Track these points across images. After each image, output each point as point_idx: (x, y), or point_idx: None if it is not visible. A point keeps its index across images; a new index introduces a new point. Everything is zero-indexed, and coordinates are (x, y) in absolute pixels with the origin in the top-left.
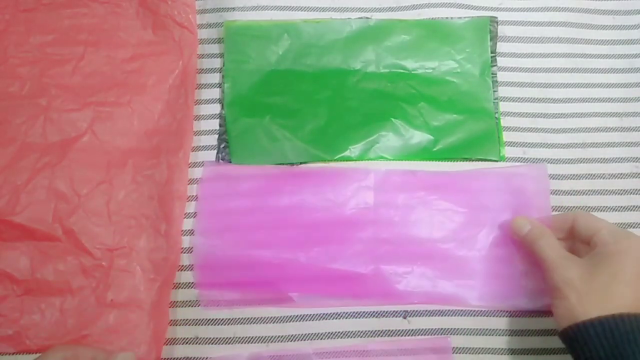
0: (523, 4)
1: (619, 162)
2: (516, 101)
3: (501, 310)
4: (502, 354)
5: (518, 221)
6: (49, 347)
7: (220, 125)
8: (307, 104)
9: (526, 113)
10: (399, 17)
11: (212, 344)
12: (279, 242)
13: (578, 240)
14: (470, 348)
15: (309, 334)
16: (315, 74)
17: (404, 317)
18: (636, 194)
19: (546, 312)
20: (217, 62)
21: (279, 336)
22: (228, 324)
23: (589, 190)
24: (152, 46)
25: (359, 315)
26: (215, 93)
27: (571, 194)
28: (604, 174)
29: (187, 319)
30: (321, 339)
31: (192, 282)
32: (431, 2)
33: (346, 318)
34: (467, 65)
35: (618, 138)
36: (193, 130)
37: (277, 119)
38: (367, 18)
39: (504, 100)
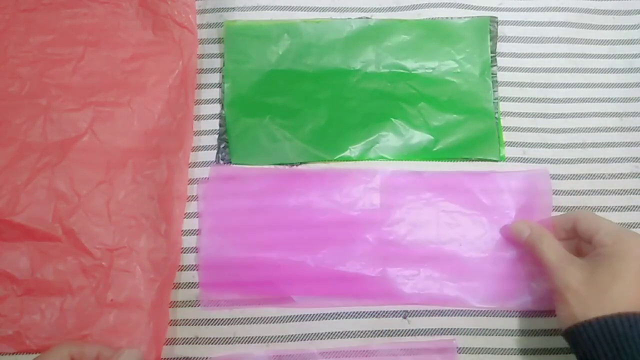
0: (523, 4)
1: (619, 162)
2: (516, 101)
3: (502, 310)
4: (502, 354)
5: (518, 226)
6: (49, 347)
7: (220, 125)
8: (307, 104)
9: (526, 113)
10: (399, 17)
11: (212, 344)
12: (286, 244)
13: (581, 240)
14: (471, 348)
15: (309, 334)
16: (315, 74)
17: (404, 317)
18: (636, 194)
19: (549, 312)
20: (217, 62)
21: (279, 336)
22: (228, 324)
23: (589, 190)
24: (152, 46)
25: (359, 315)
26: (215, 93)
27: (571, 194)
28: (604, 174)
29: (187, 319)
30: (321, 339)
31: (192, 282)
32: (431, 2)
33: (346, 318)
34: (467, 65)
35: (618, 138)
36: (193, 130)
37: (277, 119)
38: (367, 18)
39: (504, 100)
